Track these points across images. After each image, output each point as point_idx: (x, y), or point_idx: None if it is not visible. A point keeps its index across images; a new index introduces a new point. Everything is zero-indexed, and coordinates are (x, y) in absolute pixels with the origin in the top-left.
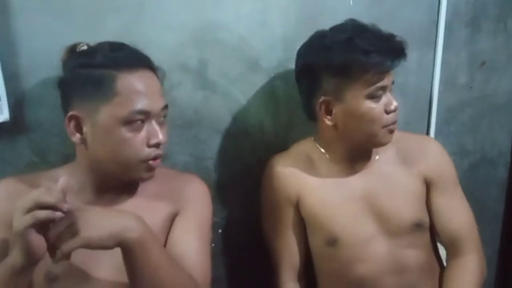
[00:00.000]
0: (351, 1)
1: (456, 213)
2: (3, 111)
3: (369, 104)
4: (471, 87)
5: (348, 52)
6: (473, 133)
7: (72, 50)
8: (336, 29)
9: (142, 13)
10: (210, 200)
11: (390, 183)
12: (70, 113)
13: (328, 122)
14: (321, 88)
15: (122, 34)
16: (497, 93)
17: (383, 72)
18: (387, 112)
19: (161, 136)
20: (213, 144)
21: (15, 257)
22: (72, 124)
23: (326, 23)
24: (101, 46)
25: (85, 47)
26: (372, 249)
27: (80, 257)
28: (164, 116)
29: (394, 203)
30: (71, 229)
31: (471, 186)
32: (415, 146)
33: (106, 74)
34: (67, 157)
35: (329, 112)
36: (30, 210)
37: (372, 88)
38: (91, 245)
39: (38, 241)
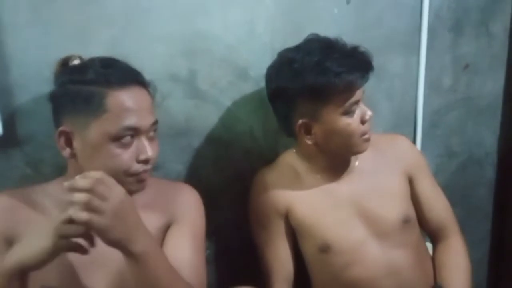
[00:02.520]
0: (336, 9)
1: (437, 199)
2: None
3: (346, 120)
4: (455, 90)
5: (319, 76)
6: (459, 135)
7: (64, 64)
8: (303, 51)
9: (131, 25)
10: (203, 208)
11: (373, 185)
12: (60, 129)
13: (308, 142)
14: (297, 111)
15: (112, 46)
16: (481, 95)
17: (355, 89)
18: (363, 122)
19: (149, 152)
20: (205, 152)
21: (26, 255)
22: (62, 139)
23: (312, 31)
24: (92, 62)
25: (77, 61)
26: (365, 252)
27: (76, 269)
28: (155, 131)
29: (380, 204)
30: (101, 204)
31: (460, 187)
32: (388, 146)
33: (96, 91)
34: (60, 169)
35: (308, 132)
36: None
37: (346, 105)
38: (101, 234)
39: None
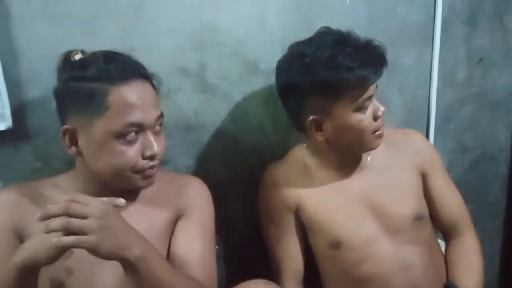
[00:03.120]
0: (348, 1)
1: (451, 196)
2: (6, 118)
3: (358, 117)
4: (469, 84)
5: (331, 71)
6: (473, 130)
7: (67, 59)
8: (315, 45)
9: (140, 18)
10: (212, 201)
11: (386, 180)
12: (64, 127)
13: (319, 138)
14: (308, 107)
15: (121, 39)
16: (496, 89)
17: (367, 85)
18: (375, 119)
19: (155, 148)
20: (215, 146)
21: (29, 255)
22: (67, 137)
23: (323, 24)
24: (94, 57)
25: (79, 55)
26: (376, 248)
27: (85, 265)
28: (160, 125)
29: (392, 200)
30: (83, 223)
31: (473, 183)
32: (401, 140)
33: (97, 88)
34: (70, 163)
35: (319, 128)
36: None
37: (359, 101)
38: (94, 252)
39: None
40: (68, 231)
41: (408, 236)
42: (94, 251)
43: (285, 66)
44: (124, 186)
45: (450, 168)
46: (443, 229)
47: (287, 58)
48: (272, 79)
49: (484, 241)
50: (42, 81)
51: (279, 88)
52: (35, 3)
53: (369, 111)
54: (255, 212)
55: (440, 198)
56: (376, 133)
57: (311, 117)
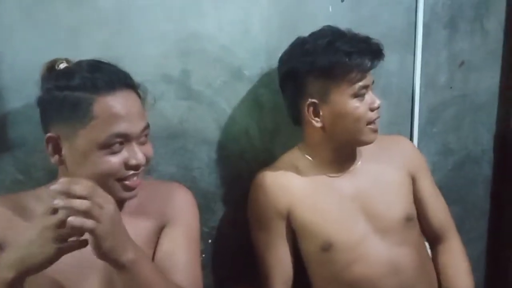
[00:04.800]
0: (330, 8)
1: (437, 201)
2: None
3: (355, 103)
4: (451, 87)
5: (330, 54)
6: (456, 132)
7: (51, 68)
8: (315, 35)
9: (124, 26)
10: (197, 208)
11: (377, 181)
12: (48, 135)
13: (316, 124)
14: (306, 92)
15: (105, 48)
16: (477, 91)
17: (365, 71)
18: (371, 110)
19: (140, 158)
20: (200, 153)
21: (18, 264)
22: (51, 145)
23: (307, 30)
24: (79, 66)
25: (64, 64)
26: (367, 250)
27: (71, 273)
28: (146, 135)
29: (383, 201)
30: (100, 213)
31: (457, 185)
32: (391, 144)
33: (82, 98)
34: (52, 174)
35: (316, 114)
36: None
37: (356, 87)
38: (98, 243)
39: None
40: (87, 216)
41: (399, 237)
42: (100, 242)
43: (286, 55)
44: None
45: (434, 170)
46: (430, 233)
47: (288, 48)
48: (257, 85)
49: (469, 243)
50: (24, 90)
51: (280, 77)
52: (17, 12)
53: (365, 101)
54: (243, 219)
55: (428, 202)
56: (371, 125)
57: (309, 101)
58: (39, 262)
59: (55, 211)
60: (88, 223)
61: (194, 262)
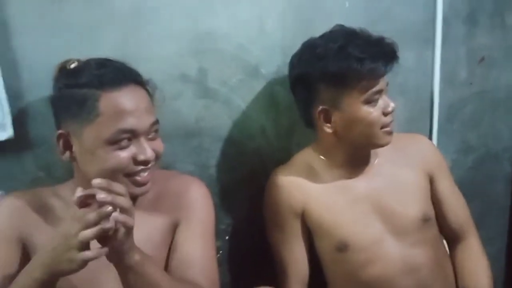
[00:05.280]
0: (347, 3)
1: (457, 200)
2: (7, 128)
3: (367, 109)
4: (471, 83)
5: (342, 61)
6: (475, 129)
7: (62, 68)
8: (327, 37)
9: (139, 25)
10: (211, 202)
11: (393, 182)
12: (58, 132)
13: (328, 130)
14: (318, 98)
15: (120, 47)
16: (498, 88)
17: (378, 77)
18: (385, 114)
19: (148, 154)
20: (216, 152)
21: (52, 269)
22: (61, 142)
23: (323, 26)
24: (87, 64)
25: (75, 64)
26: (383, 250)
27: (91, 272)
28: (156, 131)
29: (399, 201)
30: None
31: (476, 182)
32: (409, 144)
33: (88, 94)
34: (72, 171)
35: (328, 120)
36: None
37: (369, 93)
38: (121, 245)
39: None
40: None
41: (415, 237)
42: (122, 243)
43: (297, 59)
44: None
45: (453, 168)
46: (449, 233)
47: (299, 51)
48: (273, 83)
49: (488, 240)
50: (43, 90)
51: (291, 80)
52: (34, 12)
53: (378, 106)
54: (258, 217)
55: (447, 202)
56: (385, 129)
57: (320, 107)
58: (66, 269)
59: (82, 206)
60: (130, 220)
61: (209, 258)
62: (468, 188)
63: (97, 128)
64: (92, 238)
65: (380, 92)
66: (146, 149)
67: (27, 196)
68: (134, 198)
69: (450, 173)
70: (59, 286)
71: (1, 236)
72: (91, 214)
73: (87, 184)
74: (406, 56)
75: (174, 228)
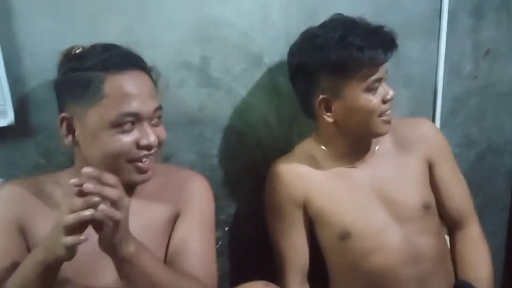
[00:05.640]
0: None
1: (457, 186)
2: (8, 114)
3: (368, 97)
4: (475, 77)
5: (342, 50)
6: (479, 123)
7: (67, 54)
8: (326, 26)
9: (144, 13)
10: (212, 196)
11: (394, 170)
12: (61, 115)
13: (329, 119)
14: (318, 87)
15: (125, 34)
16: (502, 81)
17: (378, 65)
18: (384, 102)
19: (152, 138)
20: (218, 141)
21: (50, 252)
22: (64, 125)
23: (327, 16)
24: (93, 48)
25: (80, 50)
26: (385, 239)
27: (88, 260)
28: (159, 118)
29: (401, 188)
30: (122, 206)
31: (478, 176)
32: (411, 130)
33: (94, 76)
34: (73, 158)
35: (328, 109)
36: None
37: (369, 81)
38: (113, 234)
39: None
40: (116, 205)
41: (417, 226)
42: (113, 235)
43: (296, 48)
44: (119, 177)
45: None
46: (449, 220)
47: (298, 40)
48: (276, 73)
49: (489, 234)
50: (45, 76)
51: (290, 70)
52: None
53: (378, 93)
54: (260, 207)
55: (447, 188)
56: (383, 117)
57: (320, 97)
58: (58, 253)
59: (80, 195)
60: (117, 213)
61: (208, 251)
62: (470, 181)
63: (101, 110)
64: (72, 224)
65: (380, 80)
66: (150, 134)
67: (26, 183)
68: (134, 186)
69: (454, 159)
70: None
71: (2, 224)
72: (77, 200)
73: None
74: (411, 47)
75: (174, 219)
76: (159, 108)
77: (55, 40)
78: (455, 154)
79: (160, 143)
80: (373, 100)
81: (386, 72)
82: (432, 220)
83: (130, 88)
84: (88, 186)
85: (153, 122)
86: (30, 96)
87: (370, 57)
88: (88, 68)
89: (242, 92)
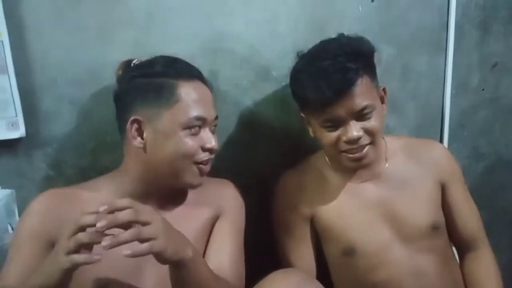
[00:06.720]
0: (360, 7)
1: (470, 209)
2: (19, 127)
3: (324, 133)
4: (483, 89)
5: (296, 85)
6: (487, 136)
7: (127, 65)
8: (304, 55)
9: (152, 25)
10: (243, 203)
11: (403, 188)
12: (132, 118)
13: (311, 134)
14: (300, 108)
15: (133, 47)
16: (510, 94)
17: (326, 106)
18: (348, 142)
19: (214, 142)
20: (226, 154)
21: (50, 276)
22: (134, 128)
23: (335, 30)
24: (156, 59)
25: (138, 61)
26: (390, 256)
27: (127, 267)
28: (215, 126)
29: (408, 207)
30: (151, 229)
31: (487, 189)
32: (423, 150)
33: (167, 82)
34: (83, 170)
35: (308, 126)
36: (74, 234)
37: (320, 120)
38: (161, 256)
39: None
40: (141, 238)
41: (423, 244)
42: (161, 255)
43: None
44: (177, 181)
45: (464, 175)
46: (459, 242)
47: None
48: (284, 86)
49: (498, 248)
50: (56, 89)
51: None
52: (49, 12)
53: (338, 131)
54: (267, 221)
55: (458, 211)
56: (348, 155)
57: (301, 115)
58: (56, 266)
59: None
60: (143, 248)
61: (240, 256)
62: (478, 195)
63: (175, 113)
64: (72, 246)
65: (336, 119)
66: (212, 138)
67: (62, 194)
68: (181, 194)
69: (464, 183)
70: (96, 279)
71: (30, 233)
72: (126, 234)
73: (138, 175)
74: (418, 61)
75: (212, 224)
76: (217, 117)
77: (65, 53)
78: (463, 167)
79: (216, 150)
80: (328, 136)
81: (361, 111)
82: (440, 239)
83: (198, 95)
84: (101, 225)
85: (212, 128)
86: (40, 108)
87: (314, 98)
88: (159, 74)
89: (250, 105)
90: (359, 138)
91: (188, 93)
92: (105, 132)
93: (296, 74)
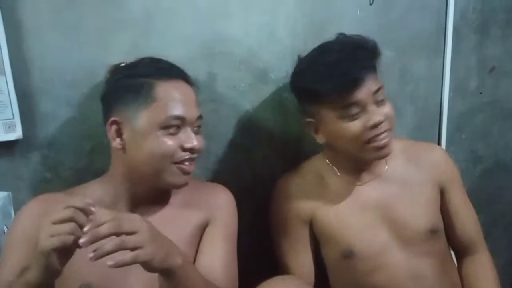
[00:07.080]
0: (358, 10)
1: (468, 214)
2: (16, 129)
3: (343, 124)
4: (481, 93)
5: (305, 80)
6: (485, 139)
7: (116, 68)
8: (308, 54)
9: (150, 28)
10: (236, 209)
11: (402, 191)
12: (111, 119)
13: (319, 140)
14: (303, 111)
15: (131, 49)
16: (508, 97)
17: (346, 95)
18: (370, 127)
19: (195, 142)
20: (224, 156)
21: (33, 274)
22: (113, 129)
23: (334, 33)
24: (142, 59)
25: (126, 64)
26: (389, 259)
27: (113, 272)
28: (199, 126)
29: (407, 211)
30: (137, 239)
31: (485, 192)
32: (423, 153)
33: (146, 82)
34: (79, 173)
35: (316, 131)
36: (56, 223)
37: (339, 110)
38: (149, 264)
39: (60, 261)
40: (125, 248)
41: (422, 248)
42: (148, 263)
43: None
44: (160, 182)
45: (462, 178)
46: (458, 246)
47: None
48: (282, 88)
49: (496, 251)
50: (53, 91)
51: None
52: (46, 14)
53: (360, 119)
54: (265, 224)
55: (457, 215)
56: (372, 144)
57: (306, 120)
58: (40, 257)
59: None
60: (127, 258)
61: (232, 262)
62: (476, 198)
63: (152, 112)
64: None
65: (354, 105)
66: (193, 138)
67: (53, 199)
68: (167, 196)
69: (463, 187)
70: (82, 280)
71: (22, 237)
72: (109, 244)
73: (128, 174)
74: (416, 64)
75: (202, 229)
76: (200, 117)
77: (63, 54)
78: (461, 170)
79: (199, 150)
80: (350, 127)
81: (373, 95)
82: (438, 243)
83: (177, 94)
84: (86, 229)
85: (194, 129)
86: (37, 110)
87: (330, 89)
88: (139, 74)
89: (248, 107)
90: (382, 122)
91: (166, 92)
92: (102, 134)
93: (306, 70)
